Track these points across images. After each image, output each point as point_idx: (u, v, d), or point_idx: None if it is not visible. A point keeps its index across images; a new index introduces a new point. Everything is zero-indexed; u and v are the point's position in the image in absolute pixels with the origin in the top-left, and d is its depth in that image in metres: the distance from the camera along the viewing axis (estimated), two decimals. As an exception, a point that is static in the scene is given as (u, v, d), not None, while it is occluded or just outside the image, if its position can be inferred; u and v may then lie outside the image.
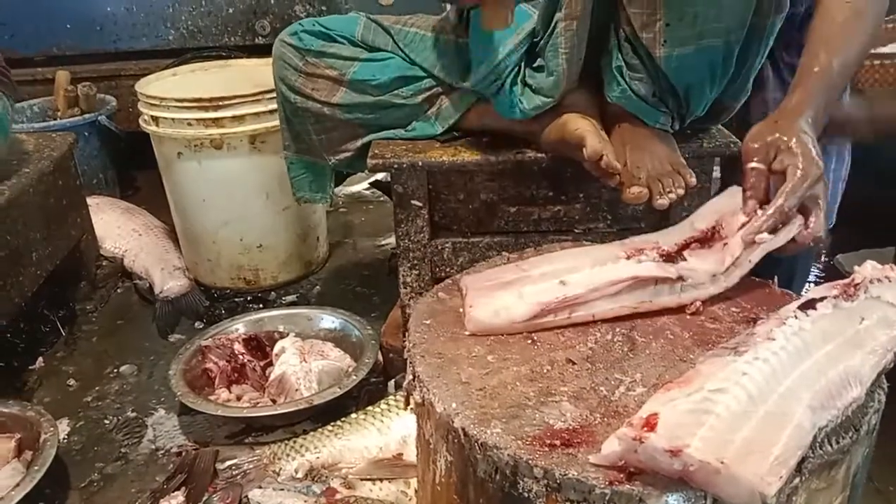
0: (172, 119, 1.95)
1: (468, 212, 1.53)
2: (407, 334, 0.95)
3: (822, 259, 2.66)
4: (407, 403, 0.91)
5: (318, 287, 2.17)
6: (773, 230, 0.95)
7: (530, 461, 0.72)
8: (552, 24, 1.24)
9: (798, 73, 1.10)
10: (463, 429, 0.77)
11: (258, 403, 1.59)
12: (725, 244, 0.97)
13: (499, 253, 1.34)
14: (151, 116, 2.00)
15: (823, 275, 2.57)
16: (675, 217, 1.44)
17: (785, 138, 1.00)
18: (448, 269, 1.54)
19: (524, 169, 1.46)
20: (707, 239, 1.01)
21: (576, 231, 1.54)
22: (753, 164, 1.01)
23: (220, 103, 1.92)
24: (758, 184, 1.00)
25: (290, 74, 1.51)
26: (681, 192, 1.27)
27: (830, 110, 1.10)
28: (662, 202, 1.25)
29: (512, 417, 0.78)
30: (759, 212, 0.96)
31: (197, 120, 1.93)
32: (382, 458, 1.39)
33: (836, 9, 1.12)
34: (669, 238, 1.02)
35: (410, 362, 0.90)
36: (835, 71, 1.08)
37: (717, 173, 1.74)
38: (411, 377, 0.88)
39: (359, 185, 2.74)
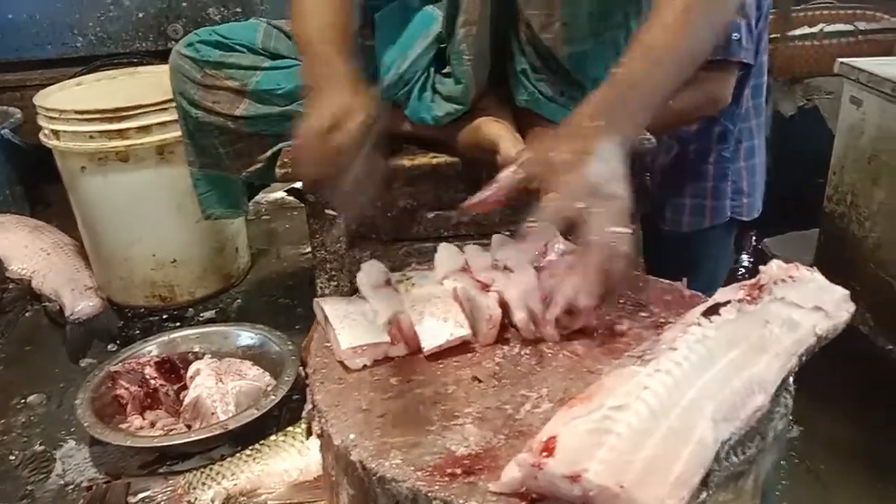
0: (73, 132, 1.86)
1: (386, 219, 1.48)
2: (307, 360, 0.90)
3: (752, 244, 2.72)
4: (309, 433, 0.86)
5: (238, 300, 2.10)
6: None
7: (430, 493, 0.68)
8: (455, 30, 1.21)
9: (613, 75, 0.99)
10: (361, 462, 0.73)
11: (172, 430, 1.51)
12: None
13: (419, 260, 1.31)
14: (52, 130, 1.90)
15: (752, 259, 2.63)
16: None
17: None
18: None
19: (440, 173, 1.43)
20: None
21: (497, 233, 1.51)
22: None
23: (124, 114, 1.83)
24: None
25: (189, 88, 1.44)
26: None
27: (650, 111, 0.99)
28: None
29: (412, 446, 0.74)
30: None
31: (99, 132, 1.83)
32: (303, 482, 1.34)
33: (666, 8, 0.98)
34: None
35: (310, 389, 0.85)
36: (653, 74, 0.96)
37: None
38: (311, 406, 0.84)
39: (282, 192, 2.67)
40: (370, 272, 1.02)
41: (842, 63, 2.17)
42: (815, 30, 2.90)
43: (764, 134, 1.91)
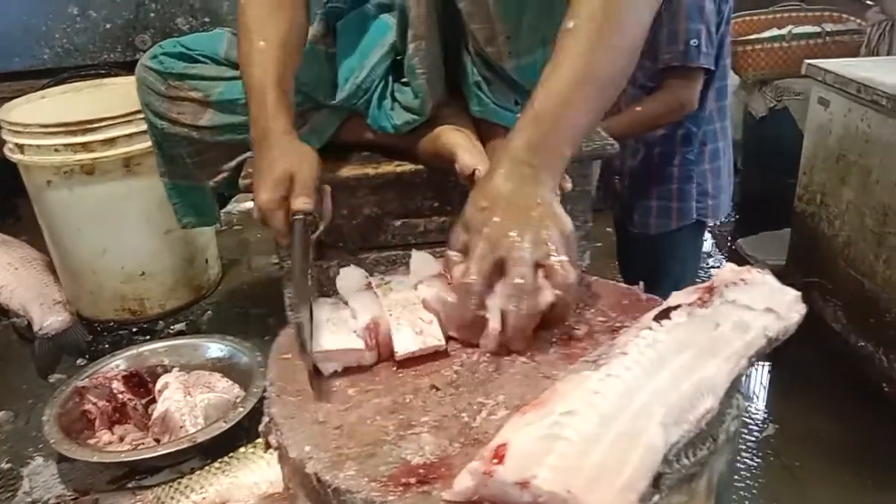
0: (38, 146, 1.84)
1: (352, 228, 1.48)
2: (266, 372, 0.89)
3: (727, 244, 2.75)
4: (267, 447, 0.86)
5: (209, 312, 2.09)
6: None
7: None
8: (407, 45, 1.21)
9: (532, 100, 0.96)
10: (315, 474, 0.73)
11: (141, 444, 1.50)
12: None
13: (387, 268, 1.30)
14: (16, 144, 1.88)
15: (726, 258, 2.65)
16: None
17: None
18: (335, 289, 1.48)
19: (405, 181, 1.43)
20: None
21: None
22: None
23: (89, 126, 1.81)
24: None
25: (154, 100, 1.43)
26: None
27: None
28: None
29: (368, 456, 0.74)
30: None
31: (64, 145, 1.82)
32: (273, 493, 1.33)
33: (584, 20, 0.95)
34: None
35: (267, 402, 0.85)
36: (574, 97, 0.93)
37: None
38: (267, 419, 0.83)
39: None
40: (350, 275, 1.01)
41: (809, 64, 2.20)
42: (783, 31, 2.94)
43: (730, 136, 1.94)
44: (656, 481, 0.67)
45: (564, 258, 0.86)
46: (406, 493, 0.69)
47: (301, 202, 1.00)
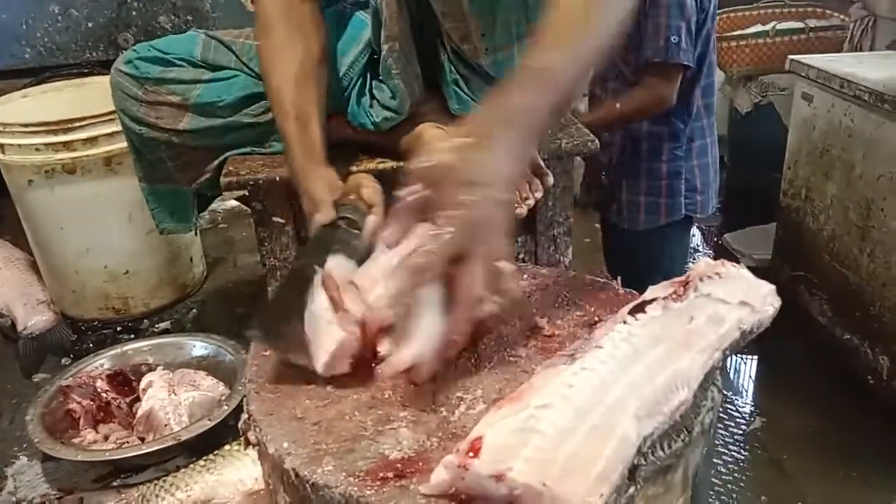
0: (19, 145, 1.83)
1: (334, 224, 1.48)
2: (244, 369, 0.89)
3: (713, 239, 2.77)
4: (247, 444, 0.86)
5: (194, 310, 2.09)
6: None
7: (361, 498, 0.68)
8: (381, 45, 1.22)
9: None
10: (294, 469, 0.73)
11: (125, 443, 1.50)
12: None
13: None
14: (-3, 143, 1.87)
15: (713, 254, 2.67)
16: (541, 220, 1.44)
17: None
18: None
19: (387, 179, 1.42)
20: None
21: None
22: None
23: (70, 125, 1.81)
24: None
25: (131, 105, 1.42)
26: (539, 195, 1.26)
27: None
28: (521, 211, 1.22)
29: (346, 452, 0.74)
30: None
31: (45, 144, 1.81)
32: (258, 490, 1.33)
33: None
34: None
35: (245, 399, 0.85)
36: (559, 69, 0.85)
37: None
38: (246, 415, 0.83)
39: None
40: (341, 264, 0.97)
41: (793, 60, 2.22)
42: (767, 28, 2.96)
43: (716, 132, 1.95)
44: (632, 473, 0.68)
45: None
46: (384, 488, 0.69)
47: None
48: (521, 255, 1.47)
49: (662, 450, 0.71)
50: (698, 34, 1.75)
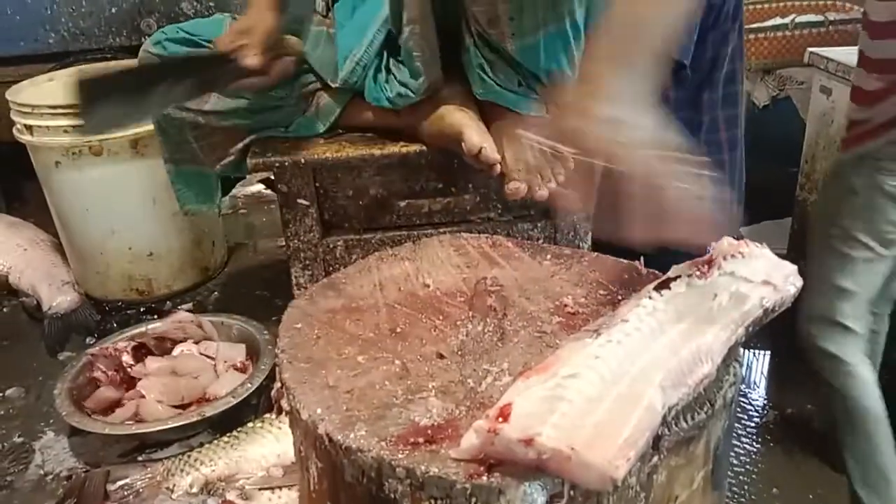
0: (47, 127, 1.86)
1: (358, 208, 1.50)
2: (277, 340, 0.92)
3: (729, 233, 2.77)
4: (279, 412, 0.88)
5: (216, 293, 2.12)
6: None
7: (393, 462, 0.71)
8: (402, 27, 1.24)
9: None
10: (327, 434, 0.75)
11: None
12: None
13: (392, 248, 1.32)
14: (25, 125, 1.90)
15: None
16: (563, 204, 1.46)
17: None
18: (342, 268, 1.51)
19: (410, 162, 1.45)
20: None
21: (469, 221, 1.53)
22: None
23: (98, 108, 1.83)
24: None
25: None
26: (561, 178, 1.27)
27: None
28: (542, 193, 1.24)
29: (378, 419, 0.77)
30: None
31: (73, 126, 1.84)
32: (281, 466, 1.36)
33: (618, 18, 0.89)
34: None
35: (278, 369, 0.87)
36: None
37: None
38: (279, 384, 0.86)
39: (258, 185, 2.68)
40: None
41: (812, 53, 2.21)
42: (786, 20, 2.95)
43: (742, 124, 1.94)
44: (655, 443, 0.70)
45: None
46: (415, 452, 0.72)
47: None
48: (540, 241, 1.49)
49: (686, 421, 0.73)
50: None
